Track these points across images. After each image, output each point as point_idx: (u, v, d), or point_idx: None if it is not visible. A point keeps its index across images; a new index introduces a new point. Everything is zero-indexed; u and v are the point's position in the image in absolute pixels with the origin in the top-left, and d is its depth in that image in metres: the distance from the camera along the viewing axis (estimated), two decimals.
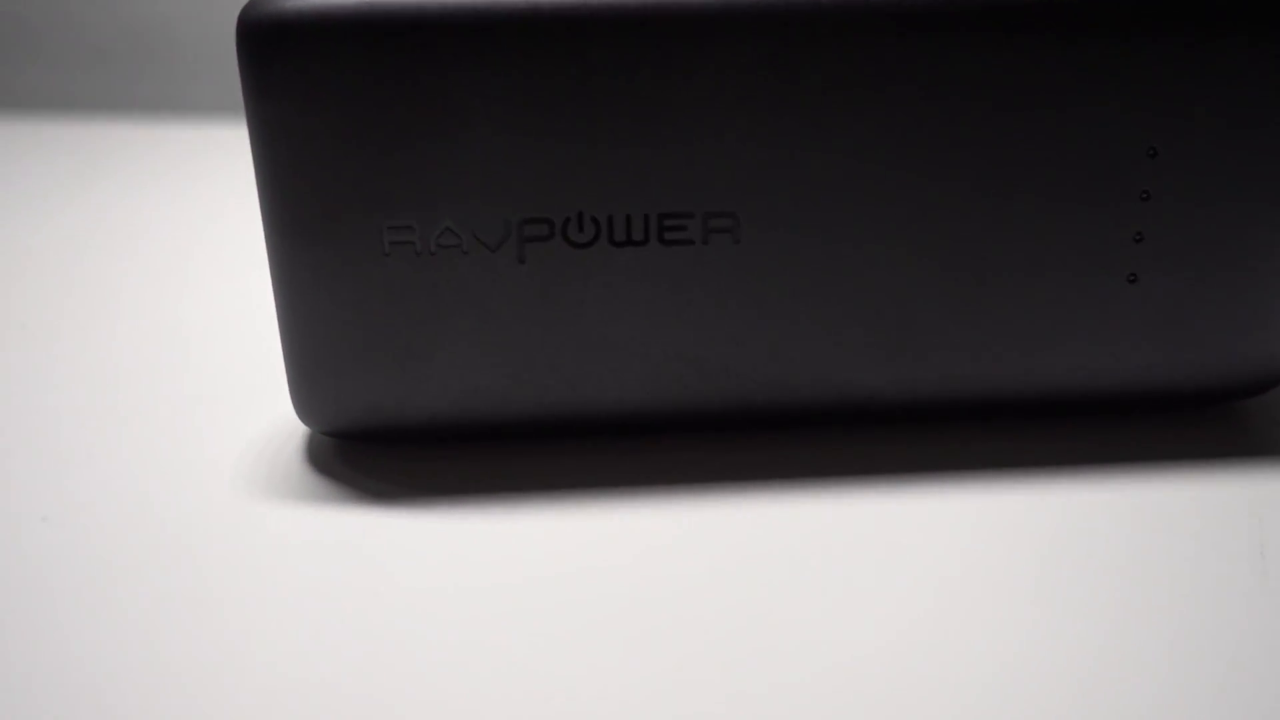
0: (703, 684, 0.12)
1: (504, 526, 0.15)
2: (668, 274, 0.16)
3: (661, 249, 0.16)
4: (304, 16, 0.14)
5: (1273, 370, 0.17)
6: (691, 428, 0.17)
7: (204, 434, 0.18)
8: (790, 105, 0.15)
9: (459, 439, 0.17)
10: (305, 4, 0.14)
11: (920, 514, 0.15)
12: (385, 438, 0.17)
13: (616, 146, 0.15)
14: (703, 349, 0.16)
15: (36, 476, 0.17)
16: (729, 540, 0.15)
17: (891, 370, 0.17)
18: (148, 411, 0.19)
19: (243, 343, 0.22)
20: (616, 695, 0.12)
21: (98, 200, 0.34)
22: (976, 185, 0.16)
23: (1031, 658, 0.13)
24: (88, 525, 0.16)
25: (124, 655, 0.13)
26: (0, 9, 0.47)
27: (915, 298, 0.16)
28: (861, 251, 0.16)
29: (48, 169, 0.37)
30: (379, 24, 0.14)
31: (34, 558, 0.15)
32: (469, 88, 0.15)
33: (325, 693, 0.12)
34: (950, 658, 0.13)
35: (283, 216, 0.15)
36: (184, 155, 0.39)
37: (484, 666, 0.13)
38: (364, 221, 0.15)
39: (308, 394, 0.17)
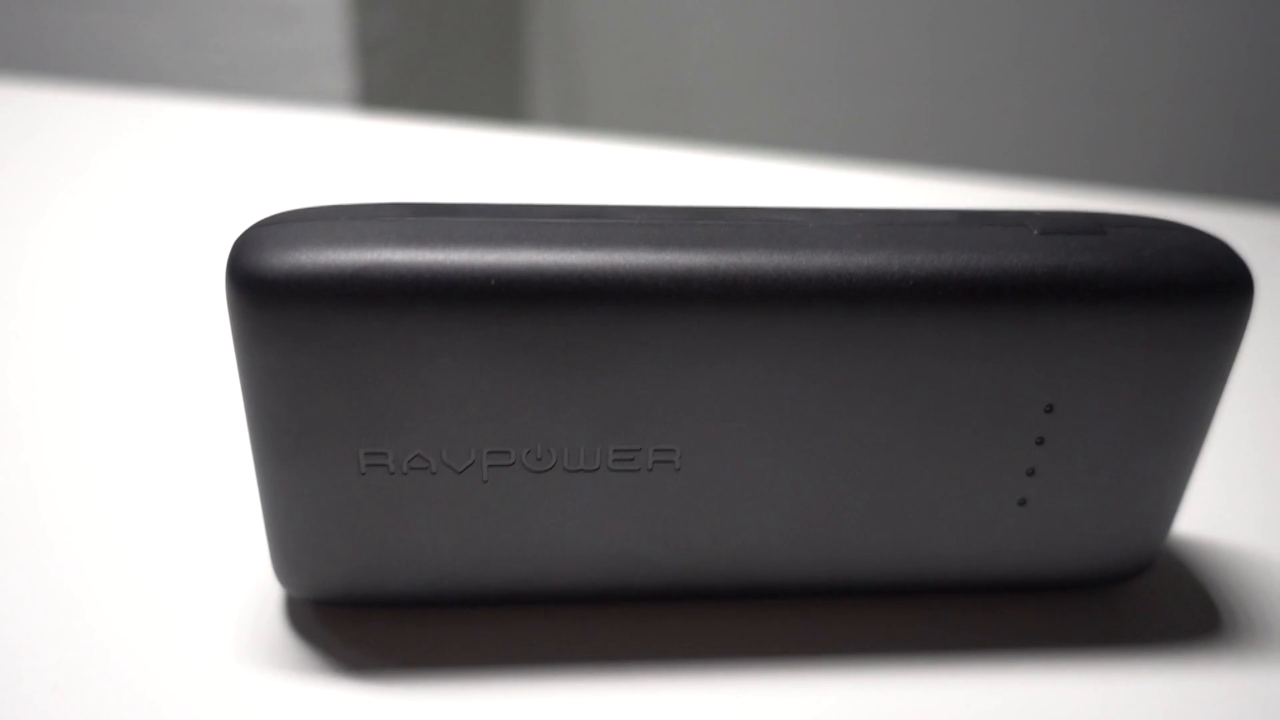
0: None
1: (469, 701, 0.18)
2: (615, 493, 0.18)
3: (610, 474, 0.18)
4: (292, 276, 0.16)
5: (1141, 559, 0.20)
6: (633, 599, 0.20)
7: (179, 585, 0.20)
8: (727, 363, 0.17)
9: (430, 607, 0.19)
10: (292, 264, 0.16)
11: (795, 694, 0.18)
12: (362, 605, 0.19)
13: (572, 393, 0.17)
14: (643, 548, 0.18)
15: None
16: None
17: (805, 563, 0.19)
18: (118, 542, 0.21)
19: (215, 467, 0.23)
20: None
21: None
22: (888, 429, 0.18)
23: None
24: (63, 680, 0.18)
25: None
26: None
27: (827, 515, 0.18)
28: (785, 476, 0.18)
29: None
30: (358, 286, 0.16)
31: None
32: (437, 342, 0.16)
33: None
34: None
35: (266, 435, 0.17)
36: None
37: None
38: (341, 448, 0.17)
39: (285, 568, 0.19)
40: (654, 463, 0.18)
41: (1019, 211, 0.18)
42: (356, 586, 0.19)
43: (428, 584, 0.19)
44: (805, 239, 0.17)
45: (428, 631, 0.19)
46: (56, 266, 0.32)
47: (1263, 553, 0.22)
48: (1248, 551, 0.22)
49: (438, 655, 0.19)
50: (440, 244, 0.16)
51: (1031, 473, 0.18)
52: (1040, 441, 0.18)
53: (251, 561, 0.20)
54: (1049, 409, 0.18)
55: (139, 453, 0.24)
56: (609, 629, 0.19)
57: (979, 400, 0.17)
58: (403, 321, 0.16)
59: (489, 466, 0.17)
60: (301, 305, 0.16)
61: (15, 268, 0.32)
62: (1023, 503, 0.19)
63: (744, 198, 0.38)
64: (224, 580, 0.20)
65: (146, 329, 0.29)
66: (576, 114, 1.08)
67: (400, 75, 0.82)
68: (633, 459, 0.17)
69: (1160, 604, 0.20)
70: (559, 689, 0.18)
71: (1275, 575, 0.21)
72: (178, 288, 0.31)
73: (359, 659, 0.18)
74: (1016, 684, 0.19)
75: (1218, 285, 0.17)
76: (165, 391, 0.26)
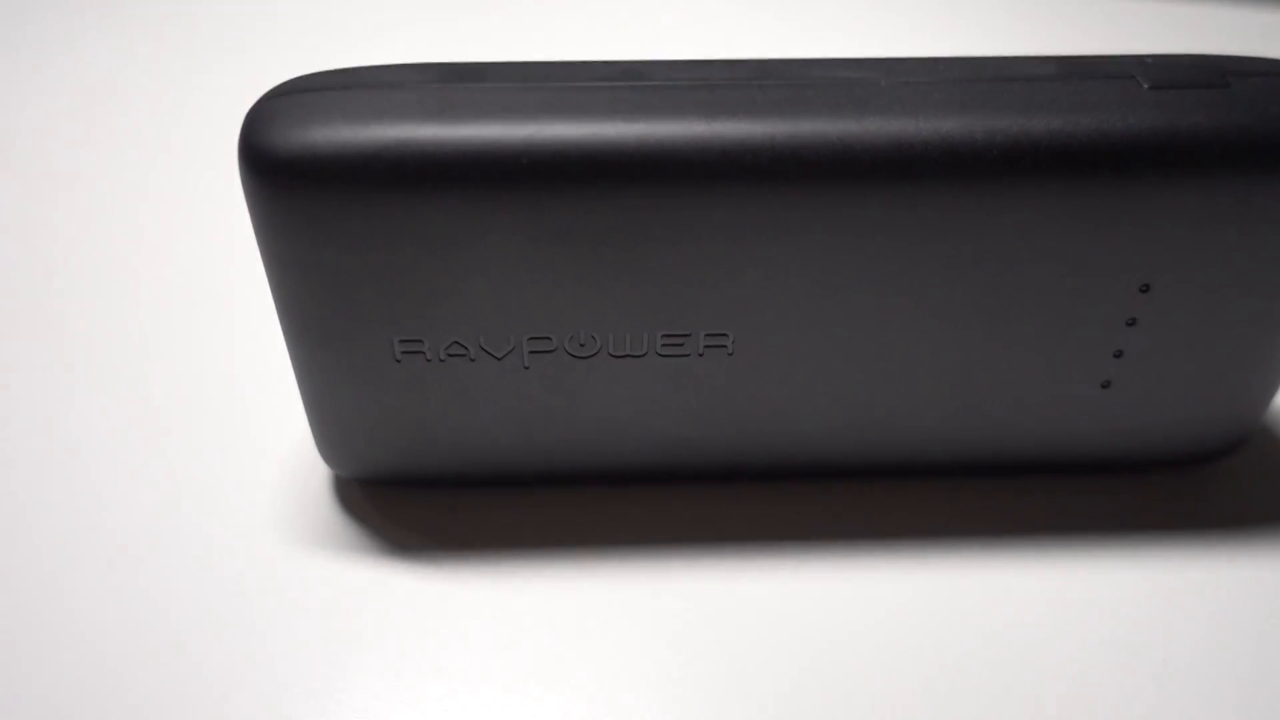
0: None
1: (507, 581, 0.18)
2: (664, 377, 0.17)
3: (659, 359, 0.16)
4: (308, 156, 0.14)
5: (1234, 438, 0.19)
6: (681, 479, 0.19)
7: (226, 463, 0.20)
8: (787, 243, 0.15)
9: (476, 486, 0.19)
10: (309, 142, 0.14)
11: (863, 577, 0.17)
12: (405, 483, 0.19)
13: (615, 277, 0.15)
14: (694, 429, 0.18)
15: (53, 508, 0.19)
16: (676, 604, 0.17)
17: (870, 444, 0.18)
18: (166, 432, 0.21)
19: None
20: None
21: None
22: (962, 309, 0.16)
23: None
24: (118, 557, 0.18)
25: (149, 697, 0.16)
26: None
27: (895, 397, 0.17)
28: (848, 358, 0.17)
29: None
30: (381, 166, 0.14)
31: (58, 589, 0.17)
32: (468, 225, 0.15)
33: None
34: None
35: (294, 323, 0.16)
36: None
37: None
38: (375, 337, 0.16)
39: (328, 449, 0.18)
40: (705, 347, 0.16)
41: (1129, 58, 0.16)
42: (401, 466, 0.18)
43: (472, 464, 0.18)
44: (875, 101, 0.15)
45: (475, 512, 0.19)
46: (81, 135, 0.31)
47: None
48: None
49: (485, 536, 0.18)
50: (467, 117, 0.14)
51: (1119, 354, 0.17)
52: (1131, 323, 0.16)
53: (300, 440, 0.20)
54: (1144, 288, 0.16)
55: (179, 330, 0.23)
56: (659, 509, 0.19)
57: (1065, 279, 0.16)
58: (430, 203, 0.15)
59: (530, 353, 0.16)
60: (321, 188, 0.14)
61: (35, 148, 0.31)
62: (1106, 385, 0.17)
63: (806, 36, 0.35)
64: (272, 459, 0.20)
65: (171, 204, 0.28)
66: None
67: None
68: (682, 344, 0.16)
69: (1249, 484, 0.19)
70: (607, 569, 0.18)
71: None
72: (200, 153, 0.30)
73: (407, 539, 0.18)
74: (1088, 567, 0.18)
75: None
76: (203, 270, 0.25)
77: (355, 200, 0.14)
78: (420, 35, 0.34)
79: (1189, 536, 0.18)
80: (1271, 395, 0.18)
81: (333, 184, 0.14)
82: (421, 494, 0.19)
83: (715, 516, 0.18)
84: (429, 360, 0.16)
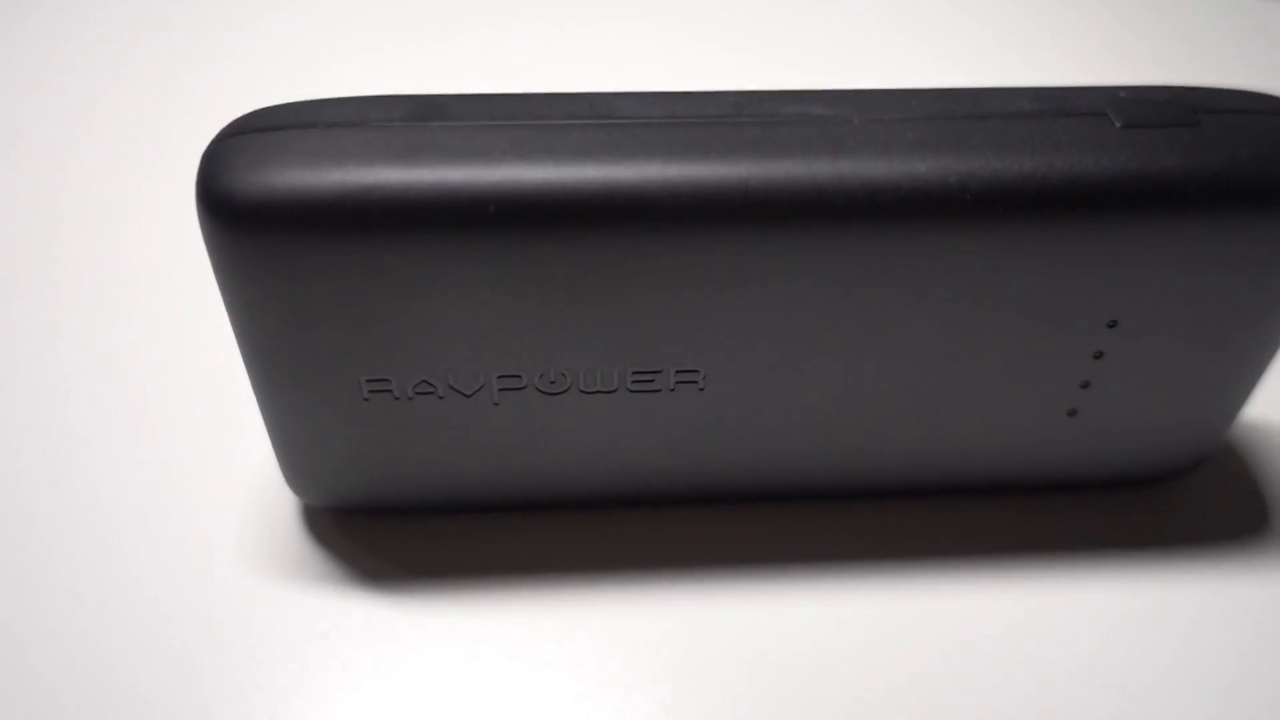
0: None
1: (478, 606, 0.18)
2: (635, 411, 0.17)
3: (630, 395, 0.16)
4: (269, 201, 0.14)
5: (1194, 459, 0.19)
6: (652, 505, 0.19)
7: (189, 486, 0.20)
8: (758, 284, 0.15)
9: (446, 514, 0.19)
10: (269, 186, 0.14)
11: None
12: (374, 512, 0.19)
13: (585, 318, 0.15)
14: (664, 460, 0.18)
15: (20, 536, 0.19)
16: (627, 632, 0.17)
17: (839, 471, 0.18)
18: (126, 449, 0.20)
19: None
20: None
21: None
22: (932, 344, 0.16)
23: None
24: (84, 590, 0.18)
25: None
26: None
27: (864, 426, 0.17)
28: (819, 390, 0.17)
29: None
30: (344, 211, 0.14)
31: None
32: (434, 270, 0.14)
33: None
34: None
35: (259, 364, 0.16)
36: None
37: None
38: (341, 376, 0.16)
39: (295, 479, 0.18)
40: (676, 383, 0.16)
41: (1103, 91, 0.16)
42: (370, 496, 0.18)
43: (443, 493, 0.18)
44: (848, 142, 0.15)
45: (445, 538, 0.18)
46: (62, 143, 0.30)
47: None
48: None
49: (456, 562, 0.18)
50: (432, 160, 0.14)
51: (1085, 385, 0.17)
52: (1098, 356, 0.16)
53: (268, 469, 0.20)
54: (1112, 324, 0.16)
55: (143, 348, 0.23)
56: (631, 534, 0.19)
57: (1035, 316, 0.16)
58: (395, 248, 0.14)
59: (500, 390, 0.16)
60: (282, 233, 0.14)
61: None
62: (1073, 413, 0.17)
63: (777, 63, 0.34)
64: (239, 484, 0.20)
65: (130, 224, 0.27)
66: None
67: None
68: (653, 380, 0.16)
69: (1210, 500, 0.20)
70: (578, 594, 0.18)
71: None
72: (166, 173, 0.29)
73: (377, 566, 0.18)
74: (1049, 586, 0.18)
75: None
76: (168, 292, 0.24)
77: (317, 245, 0.14)
78: (381, 60, 0.32)
79: (1152, 552, 0.19)
80: (1232, 417, 0.18)
81: (294, 229, 0.14)
82: (390, 520, 0.19)
83: (687, 541, 0.19)
84: (397, 399, 0.16)
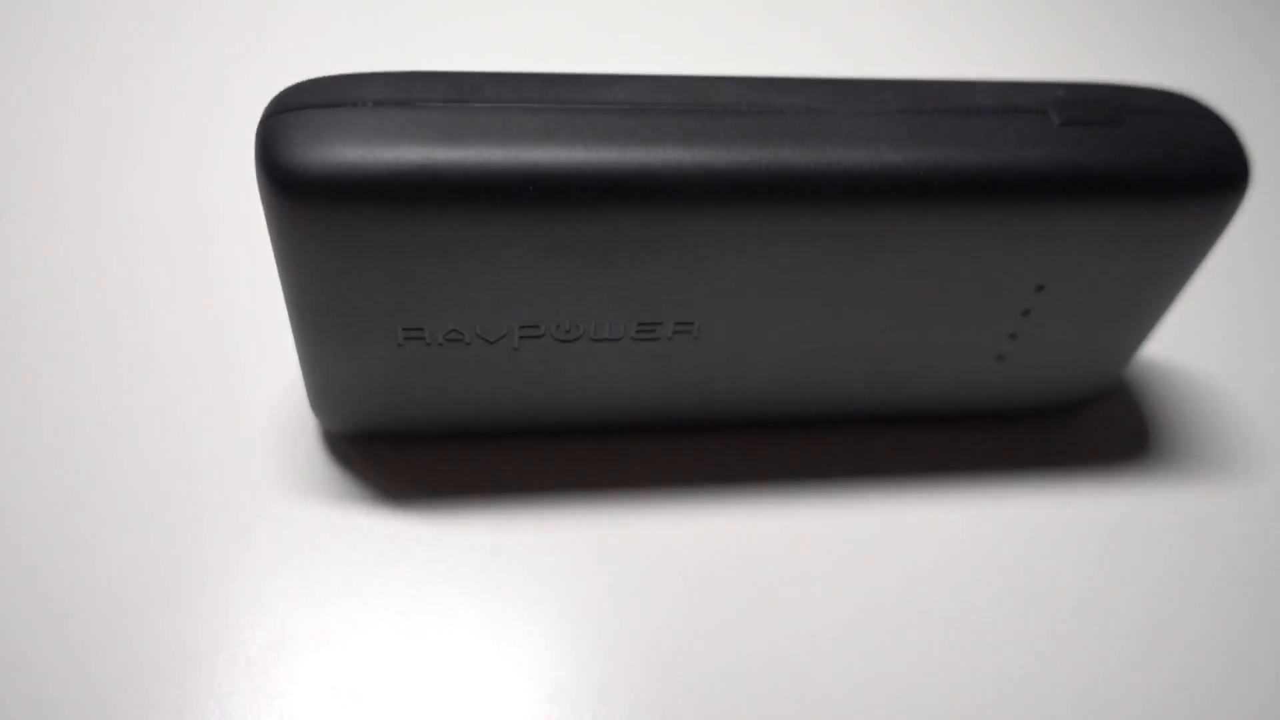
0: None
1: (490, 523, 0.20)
2: (637, 356, 0.19)
3: (633, 343, 0.19)
4: (332, 176, 0.15)
5: (1099, 393, 0.23)
6: (648, 431, 0.22)
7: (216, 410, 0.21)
8: (751, 251, 0.17)
9: (461, 439, 0.21)
10: (332, 163, 0.15)
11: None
12: (393, 438, 0.21)
13: (601, 280, 0.17)
14: (659, 394, 0.20)
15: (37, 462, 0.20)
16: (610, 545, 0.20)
17: (802, 403, 0.21)
18: (153, 382, 0.22)
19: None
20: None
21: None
22: (891, 301, 0.19)
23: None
24: (115, 501, 0.20)
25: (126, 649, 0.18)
26: None
27: (824, 368, 0.20)
28: (790, 338, 0.19)
29: None
30: (399, 187, 0.16)
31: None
32: (474, 238, 0.16)
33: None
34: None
35: (305, 314, 0.18)
36: None
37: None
38: (380, 326, 0.18)
39: (322, 408, 0.20)
40: (673, 333, 0.19)
41: (1045, 87, 0.18)
42: (392, 424, 0.20)
43: (461, 422, 0.20)
44: (836, 133, 0.17)
45: (457, 462, 0.21)
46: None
47: (1208, 378, 0.24)
48: (1197, 377, 0.24)
49: (467, 482, 0.21)
50: (477, 141, 0.16)
51: (1013, 336, 0.20)
52: (1026, 312, 0.20)
53: (290, 392, 0.22)
54: (1040, 288, 0.19)
55: (179, 281, 0.24)
56: (627, 456, 0.21)
57: (979, 279, 0.19)
58: (442, 220, 0.16)
59: (520, 338, 0.18)
60: (342, 206, 0.16)
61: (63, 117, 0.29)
62: (1000, 358, 0.21)
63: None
64: (262, 409, 0.21)
65: (177, 164, 0.27)
66: None
67: None
68: (654, 331, 0.19)
69: (1105, 429, 0.23)
70: (579, 509, 0.20)
71: (1212, 400, 0.24)
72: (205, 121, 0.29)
73: (395, 486, 0.21)
74: (974, 503, 0.21)
75: (1221, 182, 0.18)
76: (203, 227, 0.25)
77: (371, 216, 0.16)
78: (404, 34, 0.33)
79: (1057, 472, 0.22)
80: (1128, 360, 0.22)
81: (351, 202, 0.16)
82: (404, 445, 0.21)
83: (675, 462, 0.21)
84: (428, 345, 0.18)
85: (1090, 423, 0.23)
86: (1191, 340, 0.25)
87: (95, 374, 0.22)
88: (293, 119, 0.16)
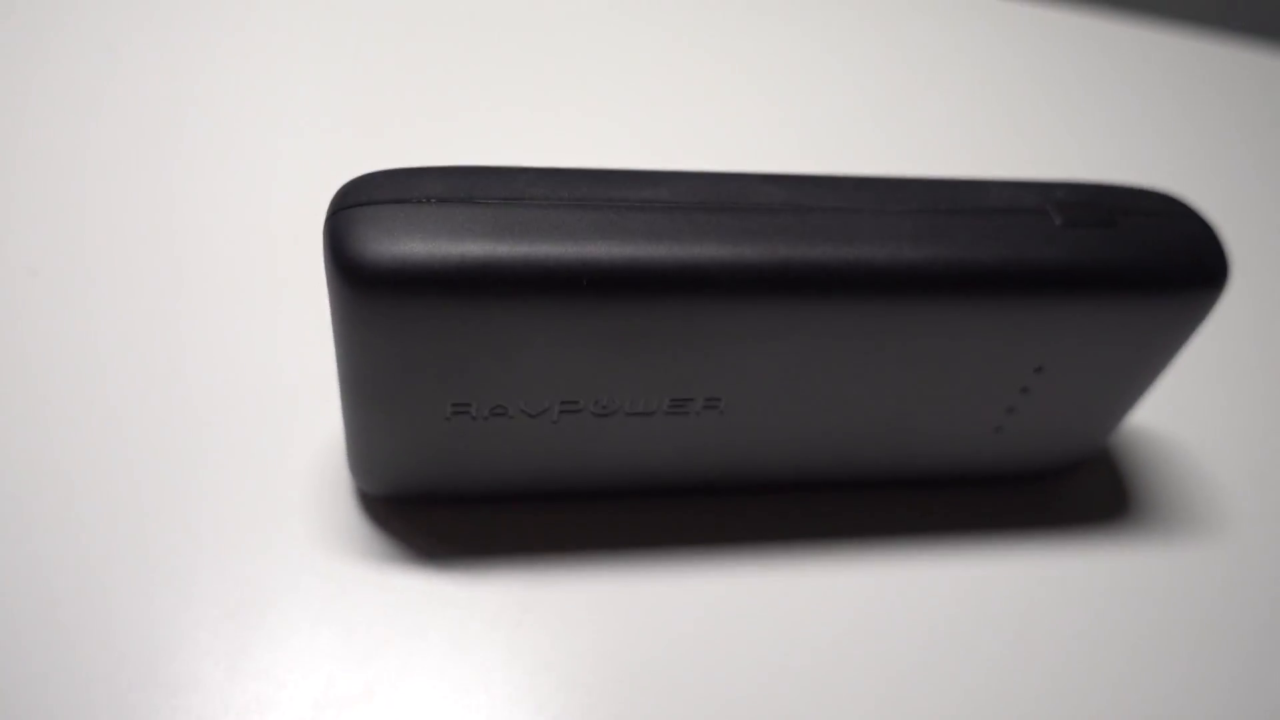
0: None
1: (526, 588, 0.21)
2: (667, 429, 0.20)
3: (665, 416, 0.20)
4: (399, 271, 0.17)
5: (1082, 458, 0.24)
6: (678, 495, 0.23)
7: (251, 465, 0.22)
8: (780, 338, 0.19)
9: (496, 502, 0.22)
10: (400, 258, 0.17)
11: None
12: (430, 501, 0.22)
13: (641, 362, 0.19)
14: (685, 461, 0.21)
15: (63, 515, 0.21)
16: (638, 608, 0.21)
17: (815, 468, 0.22)
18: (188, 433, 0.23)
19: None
20: None
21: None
22: (900, 379, 0.20)
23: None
24: (149, 555, 0.20)
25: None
26: None
27: (836, 438, 0.22)
28: (808, 411, 0.21)
29: None
30: (462, 281, 0.17)
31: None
32: (528, 327, 0.18)
33: None
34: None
35: (357, 389, 0.19)
36: None
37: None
38: (429, 403, 0.19)
39: (362, 473, 0.21)
40: (702, 408, 0.20)
41: (1043, 186, 0.20)
42: (428, 489, 0.21)
43: (495, 487, 0.21)
44: (861, 232, 0.18)
45: (490, 522, 0.22)
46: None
47: (1181, 444, 0.26)
48: (1172, 442, 0.26)
49: (500, 542, 0.22)
50: (535, 238, 0.17)
51: (1010, 410, 0.22)
52: (1024, 390, 0.21)
53: (326, 453, 0.22)
54: (1039, 369, 0.21)
55: (225, 330, 0.25)
56: (652, 518, 0.22)
57: (984, 361, 0.20)
58: (498, 309, 0.17)
59: (560, 413, 0.19)
60: (407, 297, 0.17)
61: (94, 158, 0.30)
62: (998, 430, 0.22)
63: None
64: (299, 470, 0.22)
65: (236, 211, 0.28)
66: None
67: None
68: (685, 407, 0.20)
69: (1086, 493, 0.25)
70: (608, 570, 0.22)
71: (1186, 464, 0.26)
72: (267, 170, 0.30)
73: (430, 547, 0.21)
74: (952, 564, 0.23)
75: (1204, 279, 0.20)
76: (275, 302, 0.26)
77: (434, 306, 0.17)
78: (439, 123, 0.34)
79: (1039, 533, 0.24)
80: (1112, 430, 0.23)
81: (417, 293, 0.17)
82: (440, 506, 0.22)
83: (697, 525, 0.23)
84: (474, 419, 0.19)
85: (1072, 485, 0.25)
86: (1165, 408, 0.27)
87: (130, 432, 0.22)
88: (360, 214, 0.17)
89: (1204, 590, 0.23)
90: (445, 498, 0.22)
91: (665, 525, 0.23)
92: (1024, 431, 0.22)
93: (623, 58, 0.36)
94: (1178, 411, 0.27)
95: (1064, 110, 0.37)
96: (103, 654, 0.19)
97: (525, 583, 0.21)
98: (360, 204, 0.17)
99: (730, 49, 0.37)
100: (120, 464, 0.22)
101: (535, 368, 0.18)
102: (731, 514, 0.23)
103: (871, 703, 0.21)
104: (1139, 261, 0.19)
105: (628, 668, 0.20)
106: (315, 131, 0.31)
